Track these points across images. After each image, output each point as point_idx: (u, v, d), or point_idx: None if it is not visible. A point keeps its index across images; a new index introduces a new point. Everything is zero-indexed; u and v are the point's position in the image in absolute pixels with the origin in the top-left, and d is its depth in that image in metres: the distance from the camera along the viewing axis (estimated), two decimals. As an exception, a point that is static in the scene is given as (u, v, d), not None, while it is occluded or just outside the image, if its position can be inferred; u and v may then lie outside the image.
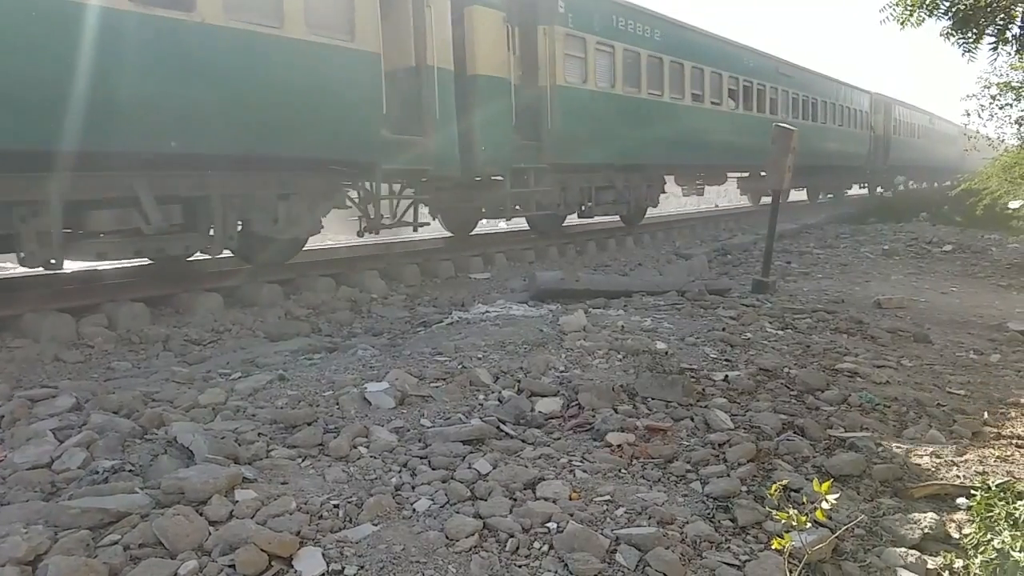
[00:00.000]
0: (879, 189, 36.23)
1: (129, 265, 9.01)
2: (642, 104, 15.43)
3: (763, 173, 23.23)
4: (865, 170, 31.81)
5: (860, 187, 35.30)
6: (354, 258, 10.63)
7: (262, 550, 2.48)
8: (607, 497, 3.04)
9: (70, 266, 8.67)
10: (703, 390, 4.44)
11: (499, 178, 12.23)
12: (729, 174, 24.36)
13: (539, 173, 12.72)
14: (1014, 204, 11.29)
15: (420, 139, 9.88)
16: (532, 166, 12.44)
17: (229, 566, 2.44)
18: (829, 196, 31.39)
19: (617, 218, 17.53)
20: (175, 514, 2.63)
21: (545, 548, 2.65)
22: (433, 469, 3.28)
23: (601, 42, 14.05)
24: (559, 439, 3.73)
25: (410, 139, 9.75)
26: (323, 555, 2.55)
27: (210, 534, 2.62)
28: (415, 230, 11.32)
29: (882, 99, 32.96)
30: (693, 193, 22.69)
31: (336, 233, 14.36)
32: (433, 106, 9.95)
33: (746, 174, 25.60)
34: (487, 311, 6.82)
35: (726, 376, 4.69)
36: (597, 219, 16.44)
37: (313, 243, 11.67)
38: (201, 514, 2.72)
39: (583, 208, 14.70)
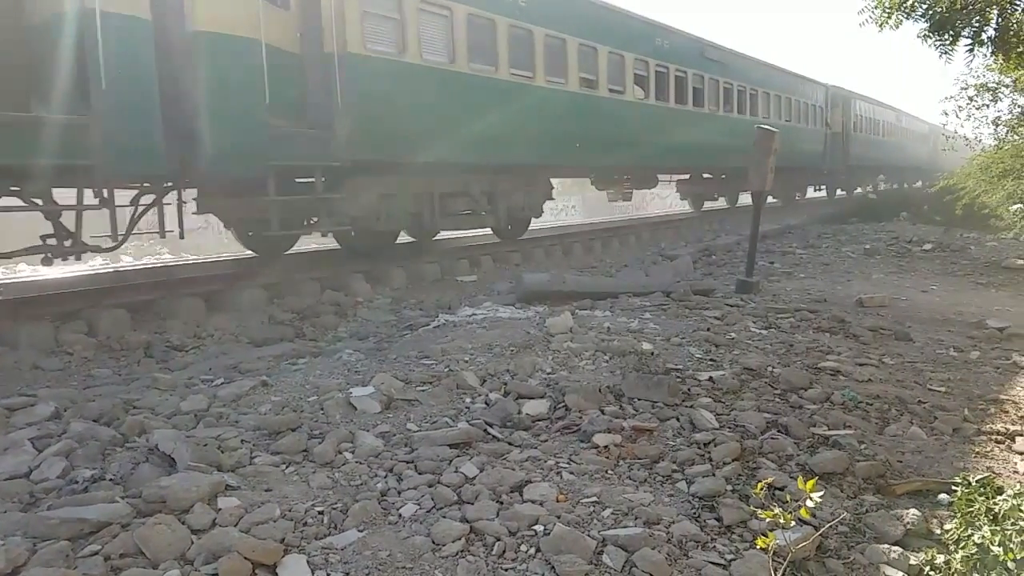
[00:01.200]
0: (840, 191, 33.62)
1: (108, 271, 8.93)
2: (504, 88, 11.92)
3: (707, 176, 22.61)
4: (822, 171, 28.63)
5: (816, 189, 32.25)
6: (339, 261, 10.56)
7: (246, 558, 2.46)
8: (594, 498, 3.04)
9: (48, 272, 8.58)
10: (688, 390, 4.45)
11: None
12: (664, 176, 21.54)
13: (333, 174, 9.22)
14: (1015, 207, 11.37)
15: (71, 119, 6.64)
16: (317, 164, 8.85)
17: (212, 575, 2.41)
18: (775, 201, 26.89)
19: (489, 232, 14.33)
20: (157, 523, 2.61)
21: (532, 551, 2.65)
22: (419, 473, 3.27)
23: (428, 1, 10.35)
24: (546, 441, 3.72)
25: (35, 119, 6.57)
26: (308, 562, 2.53)
27: (193, 543, 2.60)
28: (162, 236, 8.40)
29: (840, 93, 29.88)
30: (619, 198, 19.65)
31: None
32: (98, 71, 6.65)
33: (684, 176, 22.86)
34: (474, 314, 6.81)
35: (711, 376, 4.71)
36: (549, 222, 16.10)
37: (300, 245, 11.61)
38: (183, 523, 2.69)
39: (425, 221, 11.18)
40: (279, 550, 2.55)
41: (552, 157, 13.55)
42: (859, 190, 35.50)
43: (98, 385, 5.38)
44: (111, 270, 9.17)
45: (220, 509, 2.82)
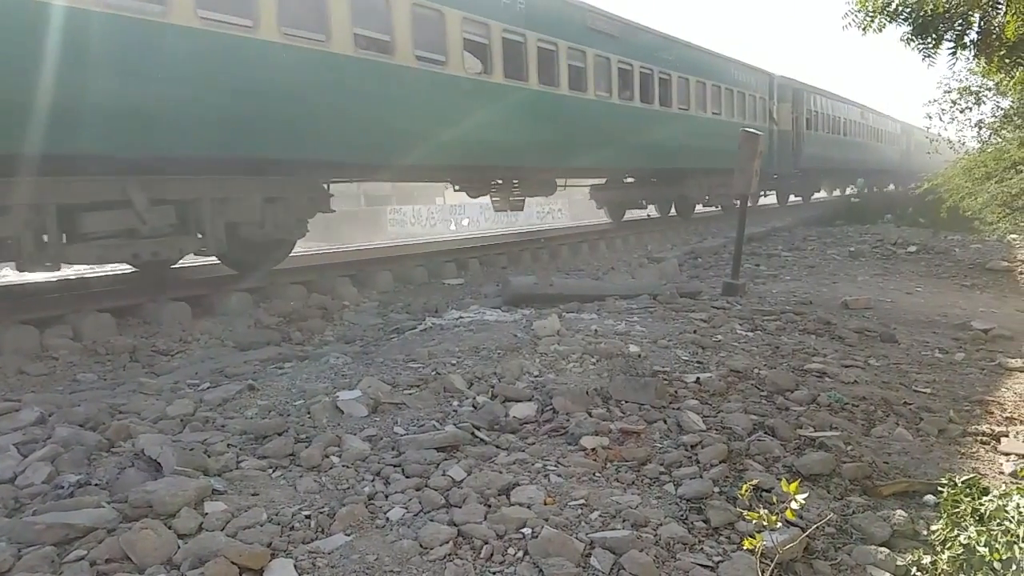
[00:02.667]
0: (794, 196, 30.14)
1: (95, 274, 8.86)
2: (217, 47, 7.82)
3: (629, 179, 19.17)
4: (768, 174, 23.76)
5: (763, 195, 28.01)
6: (325, 265, 10.54)
7: (232, 563, 2.45)
8: (581, 501, 3.04)
9: (32, 277, 8.51)
10: (675, 392, 4.46)
11: None
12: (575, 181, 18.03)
13: None
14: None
15: None
16: None
17: (199, 580, 2.40)
18: (712, 207, 23.15)
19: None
20: (143, 528, 2.59)
21: (520, 554, 2.65)
22: (407, 477, 3.26)
23: None
24: (533, 444, 3.72)
25: None
26: (295, 566, 2.52)
27: (179, 548, 2.58)
28: None
29: (790, 85, 25.99)
30: (506, 208, 15.55)
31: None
32: None
33: (599, 180, 19.49)
34: (460, 317, 6.80)
35: (698, 378, 4.72)
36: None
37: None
38: (170, 527, 2.68)
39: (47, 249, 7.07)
40: (266, 554, 2.54)
41: (332, 152, 9.45)
42: (820, 195, 32.41)
43: (83, 390, 5.34)
44: (96, 274, 9.10)
45: (207, 513, 2.81)
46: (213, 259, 9.86)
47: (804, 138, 26.86)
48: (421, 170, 13.00)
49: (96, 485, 3.13)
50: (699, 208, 22.46)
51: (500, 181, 14.77)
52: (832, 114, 30.23)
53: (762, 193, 26.66)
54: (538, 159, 13.73)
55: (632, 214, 22.27)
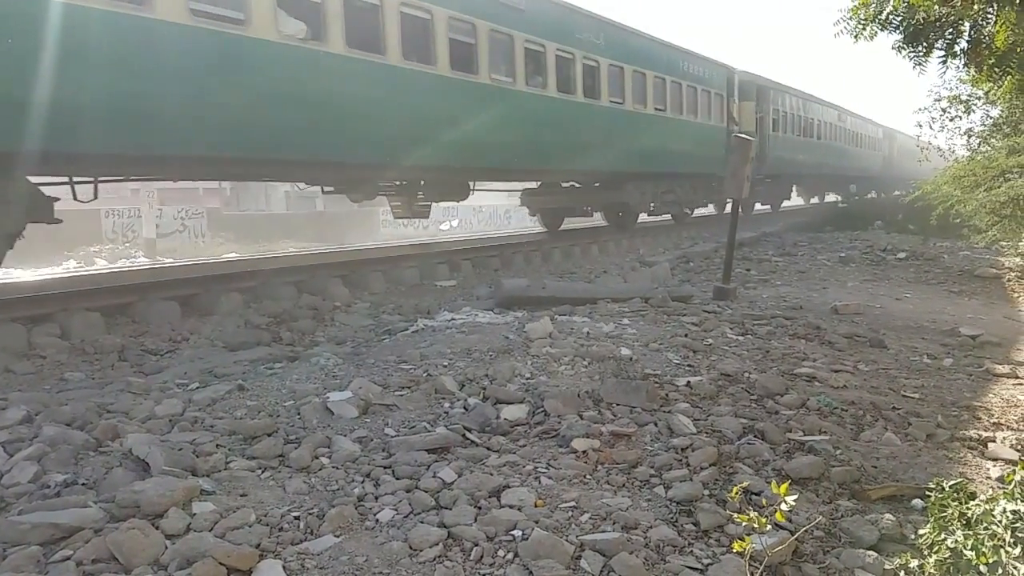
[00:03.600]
0: (760, 204, 27.05)
1: (82, 274, 8.81)
2: None
3: (572, 183, 16.71)
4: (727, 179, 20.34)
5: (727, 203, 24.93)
6: (316, 265, 10.51)
7: (220, 564, 2.44)
8: (572, 503, 3.04)
9: (20, 274, 8.45)
10: (666, 395, 4.47)
11: None
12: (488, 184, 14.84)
13: None
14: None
15: None
16: None
17: (187, 580, 2.39)
18: (666, 215, 20.03)
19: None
20: (130, 528, 2.57)
21: (510, 556, 2.64)
22: (397, 479, 3.25)
23: None
24: (525, 446, 3.72)
25: None
26: (284, 568, 2.51)
27: (167, 548, 2.57)
28: None
29: (754, 81, 23.17)
30: (407, 214, 13.49)
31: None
32: None
33: (533, 184, 16.91)
34: (453, 318, 6.80)
35: (688, 381, 4.74)
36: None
37: (277, 250, 11.53)
38: (157, 528, 2.66)
39: None
40: (254, 555, 2.52)
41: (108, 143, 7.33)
42: (790, 201, 29.59)
43: (71, 389, 5.30)
44: (85, 273, 9.04)
45: (195, 514, 2.79)
46: (209, 258, 9.83)
47: (770, 140, 23.84)
48: (259, 166, 9.87)
49: (83, 485, 3.11)
50: (645, 218, 19.13)
51: (400, 183, 12.63)
52: (804, 115, 27.43)
53: (703, 203, 22.70)
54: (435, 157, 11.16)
55: (585, 223, 19.39)
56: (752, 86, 22.99)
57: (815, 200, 36.41)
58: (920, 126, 16.91)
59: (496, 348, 5.36)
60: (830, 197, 36.51)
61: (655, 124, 17.18)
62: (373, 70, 9.93)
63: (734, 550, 2.59)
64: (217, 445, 3.59)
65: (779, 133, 24.53)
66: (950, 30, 6.09)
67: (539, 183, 17.06)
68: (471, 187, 13.83)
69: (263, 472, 3.33)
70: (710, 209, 24.75)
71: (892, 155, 42.20)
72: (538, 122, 13.44)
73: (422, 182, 12.82)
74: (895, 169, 42.23)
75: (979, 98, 14.11)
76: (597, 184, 17.31)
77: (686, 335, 6.04)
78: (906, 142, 43.18)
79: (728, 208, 24.34)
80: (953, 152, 16.86)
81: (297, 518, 2.86)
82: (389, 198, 13.31)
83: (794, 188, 31.09)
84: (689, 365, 5.21)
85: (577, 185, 17.51)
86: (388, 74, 10.14)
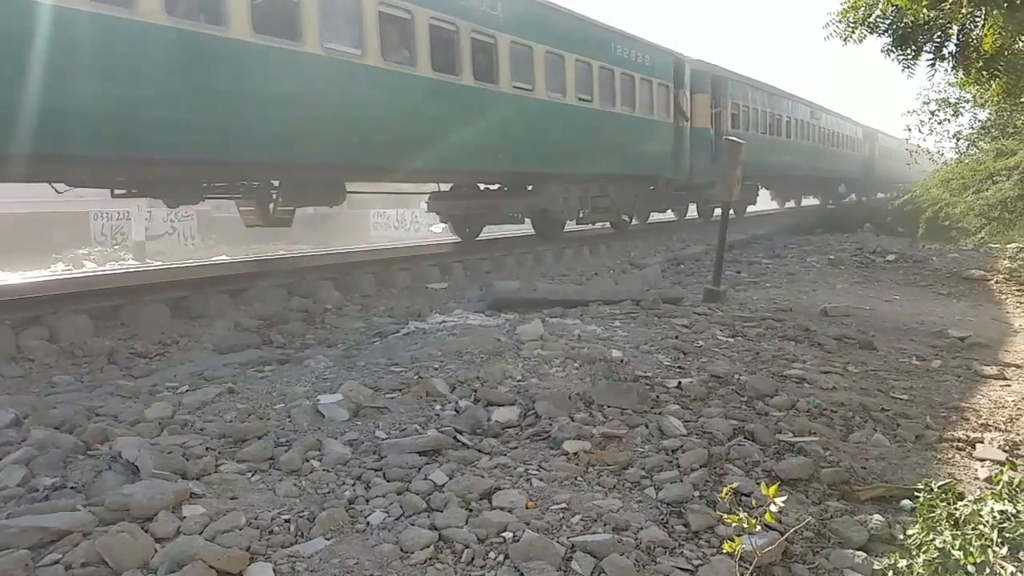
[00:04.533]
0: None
1: (73, 277, 8.77)
2: None
3: (493, 186, 14.38)
4: (675, 182, 18.92)
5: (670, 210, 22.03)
6: (307, 268, 10.48)
7: (211, 567, 2.43)
8: (563, 505, 3.05)
9: (8, 277, 8.40)
10: (657, 397, 4.48)
11: None
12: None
13: None
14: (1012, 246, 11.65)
15: None
16: None
17: (176, 584, 2.38)
18: (597, 224, 17.27)
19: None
20: (119, 531, 2.56)
21: (501, 558, 2.65)
22: (388, 481, 3.25)
23: None
24: (516, 448, 3.72)
25: None
26: (274, 571, 2.51)
27: (156, 551, 2.55)
28: None
29: (708, 72, 20.62)
30: (261, 223, 11.02)
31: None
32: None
33: (444, 186, 14.41)
34: (444, 321, 6.79)
35: (679, 383, 4.75)
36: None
37: (266, 252, 11.49)
38: (147, 531, 2.65)
39: None
40: (245, 558, 2.52)
41: None
42: (756, 207, 26.97)
43: (60, 392, 5.27)
44: (74, 276, 8.99)
45: (184, 517, 2.78)
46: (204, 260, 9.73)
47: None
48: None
49: (72, 488, 3.10)
50: (573, 226, 16.40)
51: (247, 184, 10.20)
52: (770, 111, 24.70)
53: (665, 208, 21.07)
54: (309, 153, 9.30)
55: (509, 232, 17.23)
56: (706, 77, 20.35)
57: (791, 204, 34.98)
58: (909, 129, 17.00)
59: (487, 350, 5.36)
60: (809, 201, 35.32)
61: (578, 117, 14.53)
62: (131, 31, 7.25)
63: (724, 551, 2.61)
64: (207, 448, 3.58)
65: (740, 130, 21.42)
66: (938, 33, 6.14)
67: (451, 185, 14.51)
68: (346, 189, 11.47)
69: (253, 475, 3.32)
70: (669, 215, 22.69)
71: (874, 156, 40.50)
72: (404, 109, 10.57)
73: (275, 183, 10.24)
74: (877, 171, 40.78)
75: (967, 101, 14.23)
76: (504, 187, 14.94)
77: (677, 337, 6.06)
78: (889, 143, 42.04)
79: (688, 215, 22.46)
80: (942, 155, 16.99)
81: (287, 521, 2.85)
82: (238, 203, 10.99)
83: (762, 191, 28.24)
84: (680, 367, 5.23)
85: (492, 188, 15.06)
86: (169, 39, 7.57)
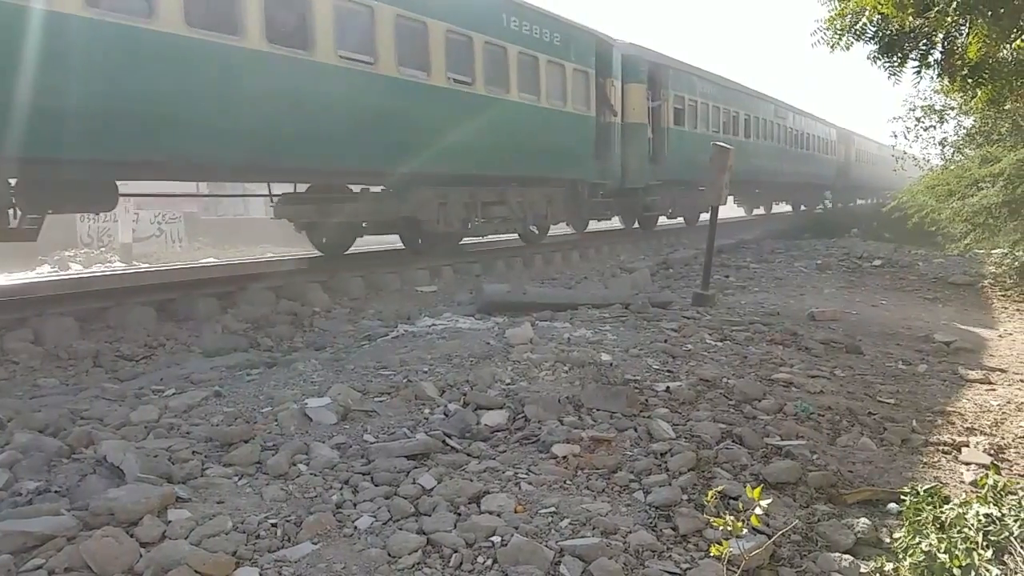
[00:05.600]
0: (666, 218, 21.21)
1: (58, 279, 8.70)
2: None
3: (378, 188, 11.46)
4: (601, 186, 15.92)
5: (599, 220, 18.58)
6: (295, 270, 10.44)
7: (196, 572, 2.41)
8: (552, 509, 3.05)
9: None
10: (646, 401, 4.49)
11: None
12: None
13: None
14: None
15: None
16: None
17: (162, 588, 2.36)
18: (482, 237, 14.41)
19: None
20: (104, 536, 2.54)
21: (489, 562, 2.64)
22: (376, 485, 3.23)
23: None
24: (505, 452, 3.72)
25: None
26: (260, 575, 2.49)
27: (141, 556, 2.53)
28: None
29: (643, 58, 17.59)
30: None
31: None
32: None
33: (297, 186, 11.59)
34: (433, 324, 6.79)
35: (668, 387, 4.76)
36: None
37: (254, 256, 11.42)
38: (132, 535, 2.63)
39: None
40: (231, 563, 2.50)
41: None
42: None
43: (44, 395, 5.23)
44: (60, 278, 8.92)
45: (170, 521, 2.76)
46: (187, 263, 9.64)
47: (669, 136, 18.14)
48: None
49: (56, 492, 3.07)
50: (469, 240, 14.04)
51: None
52: (724, 107, 21.72)
53: (600, 216, 17.88)
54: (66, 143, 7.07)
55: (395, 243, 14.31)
56: (642, 64, 17.34)
57: (759, 211, 32.40)
58: (895, 135, 17.14)
59: (477, 354, 5.36)
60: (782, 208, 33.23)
61: (451, 103, 11.65)
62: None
63: (712, 554, 2.61)
64: (193, 452, 3.56)
65: (684, 128, 19.01)
66: (924, 41, 6.18)
67: (310, 185, 11.67)
68: (118, 189, 8.49)
69: (240, 479, 3.30)
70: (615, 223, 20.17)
71: (849, 160, 37.85)
72: (206, 83, 8.11)
73: (11, 182, 7.57)
74: (853, 176, 38.32)
75: (952, 108, 14.35)
76: (356, 188, 12.10)
77: (665, 341, 6.07)
78: (867, 146, 40.46)
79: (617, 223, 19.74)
80: (928, 161, 17.13)
81: (274, 525, 2.83)
82: None
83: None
84: (668, 371, 5.24)
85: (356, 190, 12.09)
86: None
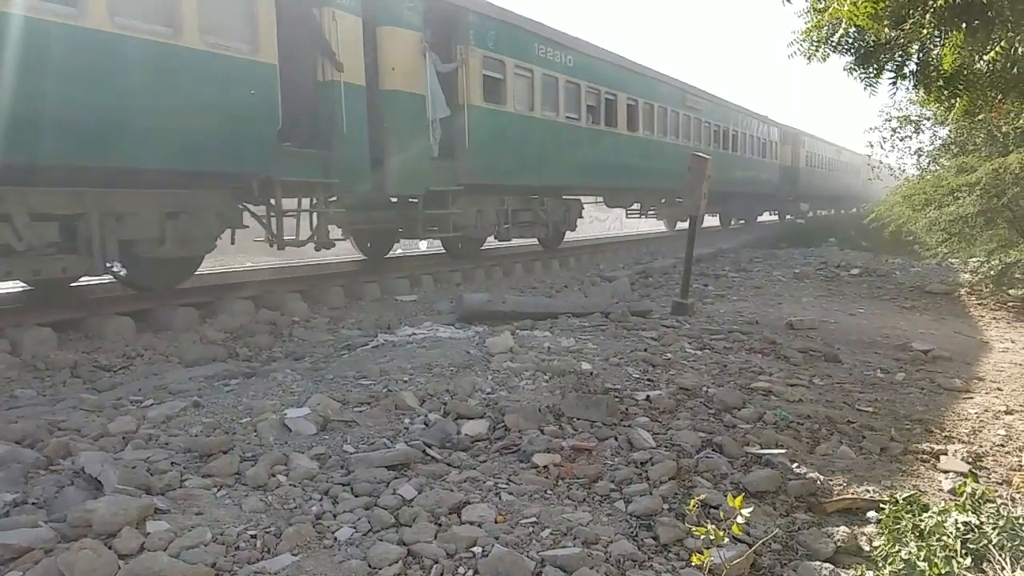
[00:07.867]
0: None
1: (33, 288, 8.59)
2: None
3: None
4: (331, 187, 9.66)
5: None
6: (274, 280, 10.36)
7: (175, 584, 2.38)
8: (533, 519, 3.04)
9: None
10: (626, 409, 4.50)
11: None
12: None
13: None
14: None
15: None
16: None
17: (139, 602, 2.33)
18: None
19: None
20: (82, 548, 2.51)
21: (470, 573, 2.63)
22: (356, 496, 3.22)
23: None
24: (485, 462, 3.71)
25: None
26: (240, 587, 2.46)
27: (120, 568, 2.50)
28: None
29: (506, 24, 12.94)
30: None
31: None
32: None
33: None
34: (413, 333, 6.76)
35: (648, 396, 4.78)
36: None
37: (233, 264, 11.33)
38: (110, 547, 2.60)
39: None
40: (210, 575, 2.47)
41: None
42: (574, 233, 18.28)
43: (21, 406, 5.14)
44: (36, 287, 8.80)
45: (149, 533, 2.73)
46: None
47: (472, 118, 12.18)
48: None
49: (33, 504, 3.03)
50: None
51: None
52: (586, 84, 15.71)
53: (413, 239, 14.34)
54: None
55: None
56: (513, 33, 13.03)
57: (682, 225, 23.07)
58: (872, 145, 17.38)
59: (457, 363, 5.35)
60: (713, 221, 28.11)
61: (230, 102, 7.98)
62: None
63: (693, 564, 2.62)
64: (172, 463, 3.52)
65: (504, 107, 13.06)
66: (899, 53, 6.27)
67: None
68: None
69: (219, 490, 3.27)
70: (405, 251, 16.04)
71: (797, 165, 32.34)
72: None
73: None
74: (803, 184, 32.95)
75: (928, 118, 14.56)
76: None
77: (645, 349, 6.10)
78: (822, 149, 35.88)
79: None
80: (903, 171, 17.37)
81: (254, 537, 2.81)
82: None
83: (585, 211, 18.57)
84: (649, 379, 5.26)
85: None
86: None
